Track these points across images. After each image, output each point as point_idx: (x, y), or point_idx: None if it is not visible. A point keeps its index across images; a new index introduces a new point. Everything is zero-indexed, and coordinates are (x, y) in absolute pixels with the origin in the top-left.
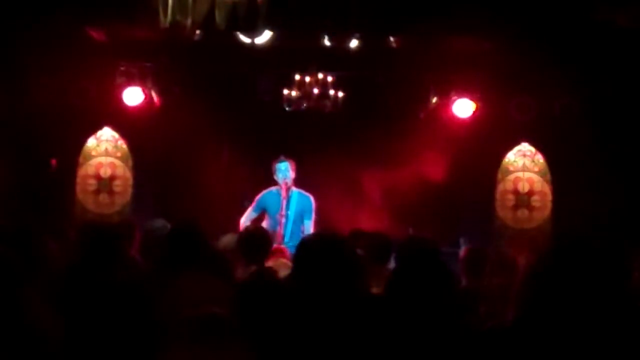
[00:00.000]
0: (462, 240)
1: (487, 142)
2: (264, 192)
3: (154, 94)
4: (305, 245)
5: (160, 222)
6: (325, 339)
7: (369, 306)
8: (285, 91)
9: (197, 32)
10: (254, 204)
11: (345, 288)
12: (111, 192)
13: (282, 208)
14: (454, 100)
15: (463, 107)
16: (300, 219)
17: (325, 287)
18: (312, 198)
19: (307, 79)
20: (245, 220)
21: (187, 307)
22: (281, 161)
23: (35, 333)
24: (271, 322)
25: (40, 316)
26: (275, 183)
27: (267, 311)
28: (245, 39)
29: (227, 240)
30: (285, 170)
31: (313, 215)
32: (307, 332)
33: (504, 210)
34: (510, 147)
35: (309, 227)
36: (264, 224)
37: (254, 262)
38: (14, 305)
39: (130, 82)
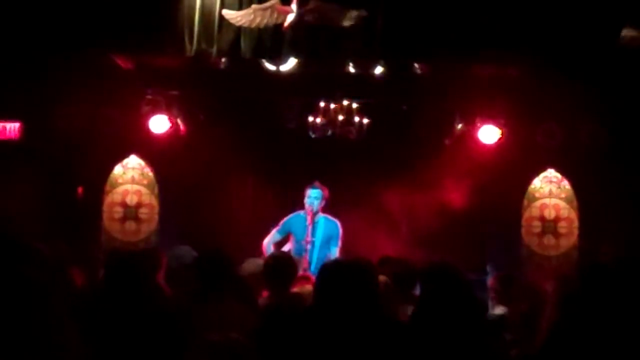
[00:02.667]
0: (489, 267)
1: (513, 169)
2: (292, 215)
3: (180, 122)
4: (326, 272)
5: (184, 249)
6: None
7: (394, 333)
8: (310, 118)
9: (223, 60)
10: (278, 226)
11: (367, 314)
12: (137, 220)
13: (307, 234)
14: (480, 127)
15: (488, 134)
16: (327, 245)
17: (347, 313)
18: (339, 223)
19: (332, 106)
20: (268, 242)
21: (211, 333)
22: (313, 187)
23: (63, 356)
24: (293, 348)
25: (68, 340)
26: (302, 207)
27: (289, 337)
28: (271, 67)
29: (251, 265)
30: (314, 197)
31: (339, 242)
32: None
33: (530, 236)
34: (536, 174)
35: (335, 254)
36: (287, 248)
37: (278, 288)
38: (44, 326)
39: (156, 110)
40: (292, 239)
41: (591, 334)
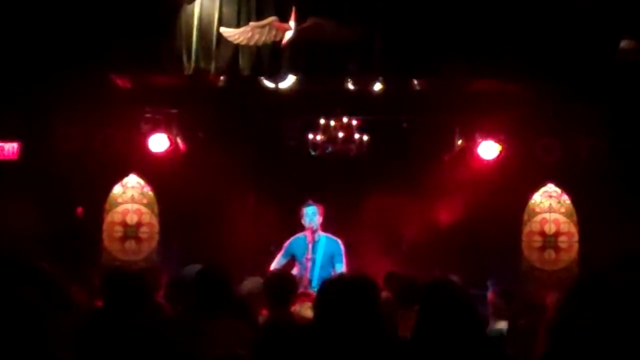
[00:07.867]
0: (489, 283)
1: (512, 184)
2: (292, 238)
3: (179, 141)
4: (327, 287)
5: (195, 267)
6: None
7: (395, 349)
8: (310, 135)
9: (221, 77)
10: (282, 250)
11: (368, 330)
12: (138, 239)
13: (307, 252)
14: (479, 143)
15: (488, 149)
16: (329, 263)
17: (347, 330)
18: (340, 242)
19: (332, 123)
20: (275, 266)
21: (212, 351)
22: (308, 205)
23: None
24: None
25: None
26: (303, 228)
27: (288, 354)
28: (270, 84)
29: (251, 283)
30: (312, 215)
31: (344, 259)
32: None
33: (530, 251)
34: (536, 189)
35: (341, 271)
36: (295, 270)
37: (278, 306)
38: (39, 347)
39: (155, 128)
40: (297, 262)
41: (588, 344)
